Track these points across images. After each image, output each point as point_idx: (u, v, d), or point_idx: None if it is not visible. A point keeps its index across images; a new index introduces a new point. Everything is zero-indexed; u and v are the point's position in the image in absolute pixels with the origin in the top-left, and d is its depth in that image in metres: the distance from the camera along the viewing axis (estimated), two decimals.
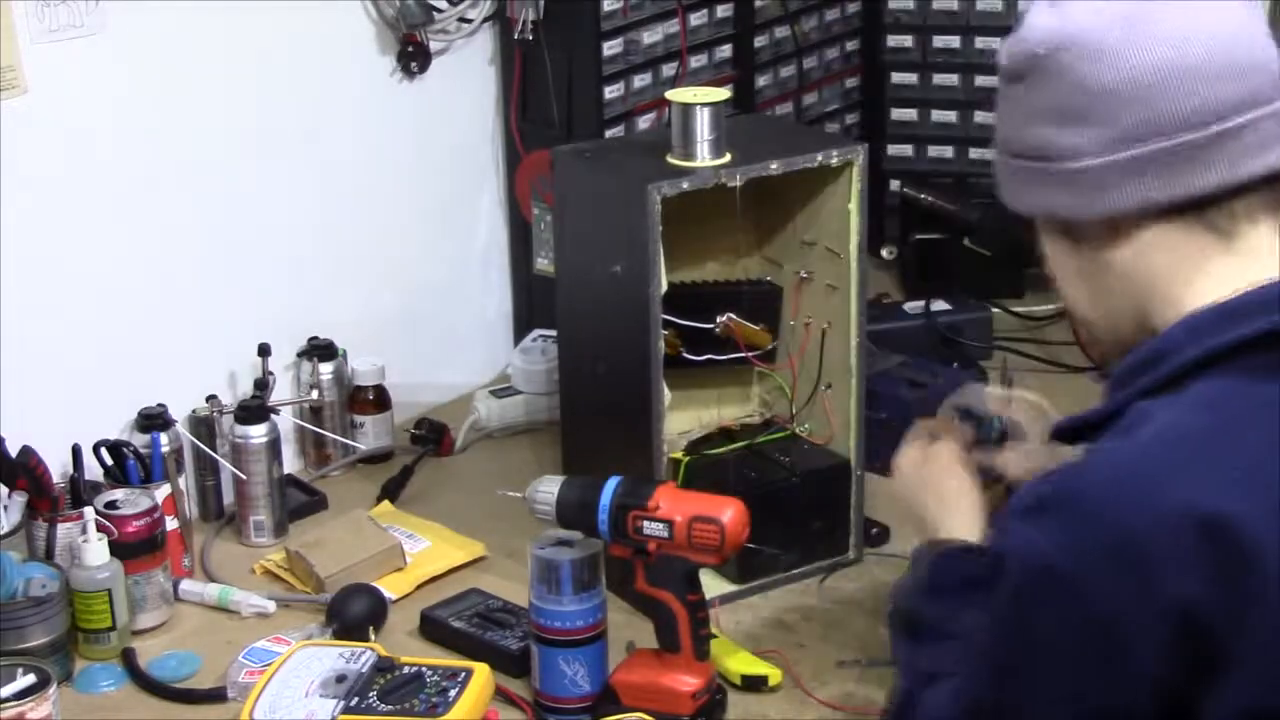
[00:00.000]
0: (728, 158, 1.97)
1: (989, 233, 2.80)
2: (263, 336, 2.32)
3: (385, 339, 2.51)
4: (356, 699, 1.73)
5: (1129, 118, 1.31)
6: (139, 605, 1.99)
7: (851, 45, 3.06)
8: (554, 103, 2.54)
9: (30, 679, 1.72)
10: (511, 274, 2.71)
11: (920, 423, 1.78)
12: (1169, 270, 1.34)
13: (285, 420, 2.33)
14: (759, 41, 2.82)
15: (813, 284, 2.12)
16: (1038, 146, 1.36)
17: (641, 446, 1.97)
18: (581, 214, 2.07)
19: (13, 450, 1.99)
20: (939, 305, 2.71)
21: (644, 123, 2.59)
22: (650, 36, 2.58)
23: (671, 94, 2.03)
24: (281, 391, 2.37)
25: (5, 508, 1.98)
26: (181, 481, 2.13)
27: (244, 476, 2.20)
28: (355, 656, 1.81)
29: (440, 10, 2.49)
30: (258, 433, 2.19)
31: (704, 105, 1.97)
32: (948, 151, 3.03)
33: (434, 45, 2.51)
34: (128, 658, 1.93)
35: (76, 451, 2.04)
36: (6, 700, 1.68)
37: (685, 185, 1.92)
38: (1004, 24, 2.82)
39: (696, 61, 2.67)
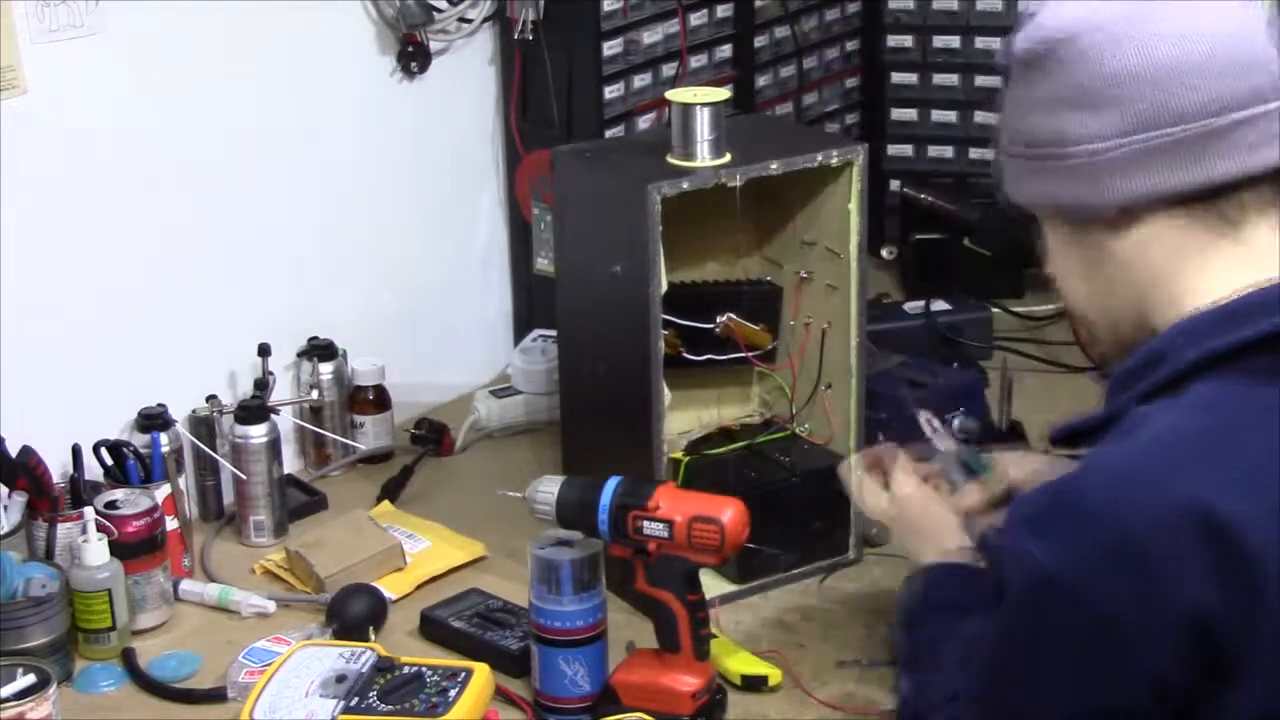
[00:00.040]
0: (728, 158, 1.97)
1: (989, 233, 2.80)
2: (263, 336, 2.32)
3: (385, 339, 2.51)
4: (356, 699, 1.73)
5: (1143, 104, 1.31)
6: (139, 605, 1.99)
7: (851, 45, 3.06)
8: (554, 103, 2.54)
9: (30, 679, 1.72)
10: (511, 274, 2.71)
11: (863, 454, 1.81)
12: (1173, 264, 1.34)
13: (285, 420, 2.33)
14: (759, 41, 2.82)
15: (813, 284, 2.12)
16: (1047, 135, 1.36)
17: (641, 446, 1.97)
18: (581, 214, 2.07)
19: (13, 450, 1.99)
20: (939, 305, 2.71)
21: (644, 123, 2.59)
22: (650, 36, 2.58)
23: (671, 94, 2.03)
24: (281, 391, 2.37)
25: (5, 508, 1.98)
26: (181, 481, 2.13)
27: (244, 476, 2.20)
28: (355, 656, 1.81)
29: (440, 10, 2.49)
30: (258, 433, 2.19)
31: (704, 105, 1.97)
32: (948, 151, 3.03)
33: (434, 45, 2.51)
34: (128, 658, 1.93)
35: (76, 451, 2.04)
36: (6, 700, 1.68)
37: (685, 185, 1.92)
38: (1004, 24, 2.82)
39: (696, 61, 2.67)
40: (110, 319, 2.20)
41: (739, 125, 2.17)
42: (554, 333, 2.33)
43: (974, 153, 2.98)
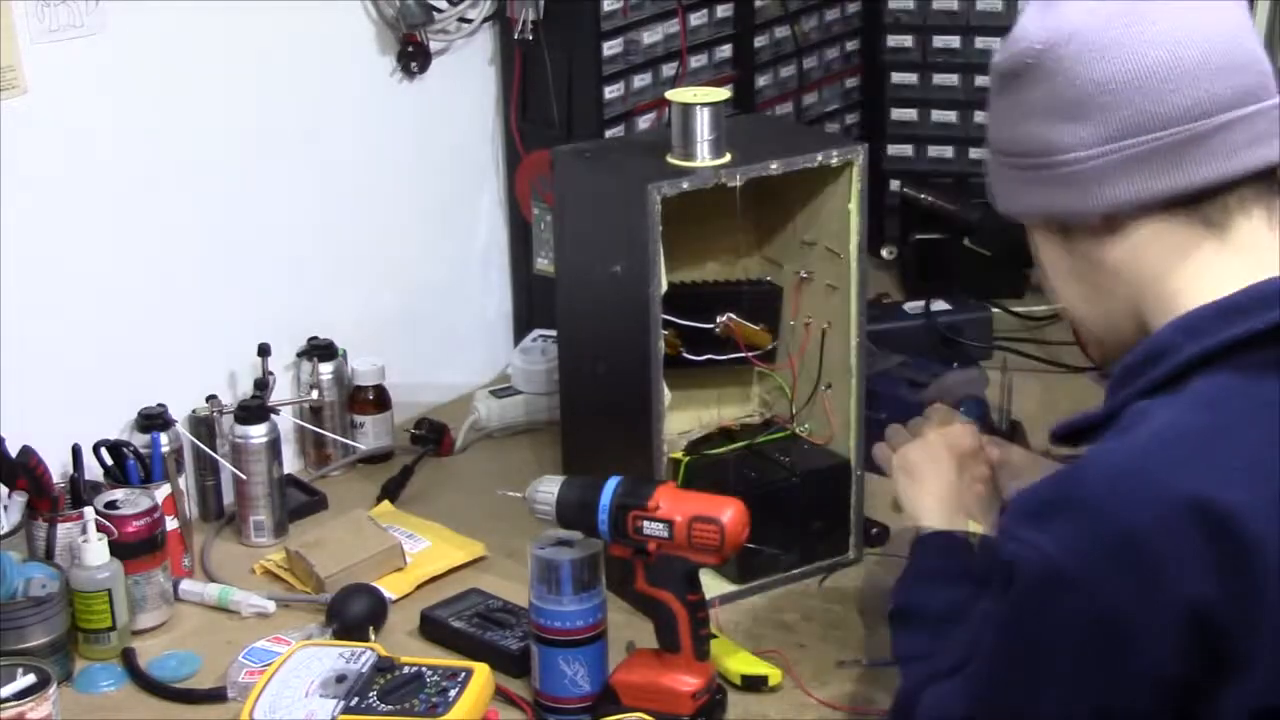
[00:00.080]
0: (728, 158, 1.97)
1: (989, 233, 2.80)
2: (263, 336, 2.32)
3: (385, 339, 2.51)
4: (356, 699, 1.73)
5: (1126, 112, 1.31)
6: (139, 605, 1.99)
7: (851, 45, 3.06)
8: (554, 103, 2.54)
9: (30, 679, 1.72)
10: (511, 274, 2.71)
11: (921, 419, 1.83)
12: (1163, 267, 1.35)
13: (285, 420, 2.33)
14: (759, 41, 2.82)
15: (813, 284, 2.12)
16: (1034, 145, 1.37)
17: (641, 446, 1.97)
18: (581, 214, 2.07)
19: (13, 450, 1.99)
20: (939, 305, 2.71)
21: (644, 123, 2.59)
22: (650, 36, 2.58)
23: (671, 94, 2.03)
24: (281, 391, 2.37)
25: (5, 508, 1.98)
26: (181, 481, 2.13)
27: (244, 476, 2.20)
28: (355, 656, 1.81)
29: (440, 10, 2.49)
30: (258, 433, 2.19)
31: (704, 105, 1.97)
32: (948, 151, 3.03)
33: (434, 45, 2.51)
34: (128, 658, 1.93)
35: (76, 451, 2.04)
36: (6, 700, 1.68)
37: (685, 185, 1.92)
38: (1004, 24, 2.80)
39: (696, 61, 2.67)
40: (110, 319, 2.20)
41: (739, 125, 2.17)
42: (554, 333, 2.33)
43: (974, 153, 2.98)
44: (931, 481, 1.77)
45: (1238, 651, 1.19)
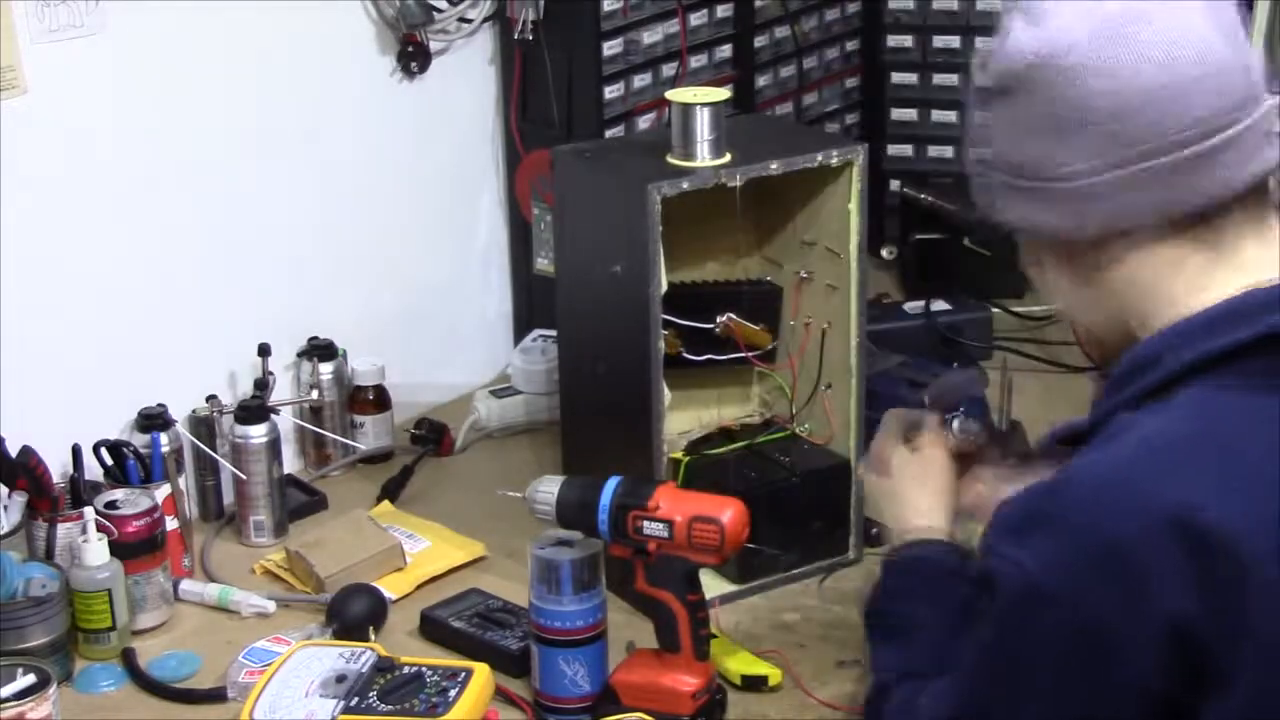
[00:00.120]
0: (728, 158, 1.97)
1: (989, 233, 2.79)
2: (263, 336, 2.32)
3: (385, 339, 2.51)
4: (356, 699, 1.73)
5: (1121, 133, 1.28)
6: (139, 605, 1.99)
7: (851, 45, 3.06)
8: (554, 103, 2.54)
9: (30, 679, 1.72)
10: (511, 274, 2.71)
11: (896, 414, 1.73)
12: (1158, 282, 1.33)
13: (285, 420, 2.33)
14: (759, 41, 2.82)
15: (813, 284, 2.12)
16: (1028, 164, 1.34)
17: (641, 446, 1.97)
18: (581, 214, 2.07)
19: (13, 450, 1.99)
20: (939, 305, 2.71)
21: (644, 123, 2.59)
22: (650, 36, 2.58)
23: (671, 94, 2.03)
24: (281, 391, 2.37)
25: (5, 508, 1.98)
26: (181, 481, 2.13)
27: (244, 476, 2.20)
28: (355, 656, 1.81)
29: (440, 10, 2.49)
30: (258, 433, 2.19)
31: (704, 105, 1.97)
32: (948, 151, 3.03)
33: (434, 45, 2.51)
34: (128, 658, 1.93)
35: (76, 451, 2.04)
36: (6, 700, 1.68)
37: (685, 185, 1.92)
38: None
39: (696, 61, 2.67)
40: (110, 319, 2.20)
41: (739, 125, 2.17)
42: (554, 333, 2.33)
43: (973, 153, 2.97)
44: (914, 494, 1.68)
45: (1220, 667, 1.17)
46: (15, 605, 1.86)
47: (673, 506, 1.74)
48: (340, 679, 1.77)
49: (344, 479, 2.40)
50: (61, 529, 1.97)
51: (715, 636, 1.86)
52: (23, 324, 2.08)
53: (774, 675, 1.87)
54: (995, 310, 2.77)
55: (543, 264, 2.55)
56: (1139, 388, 1.29)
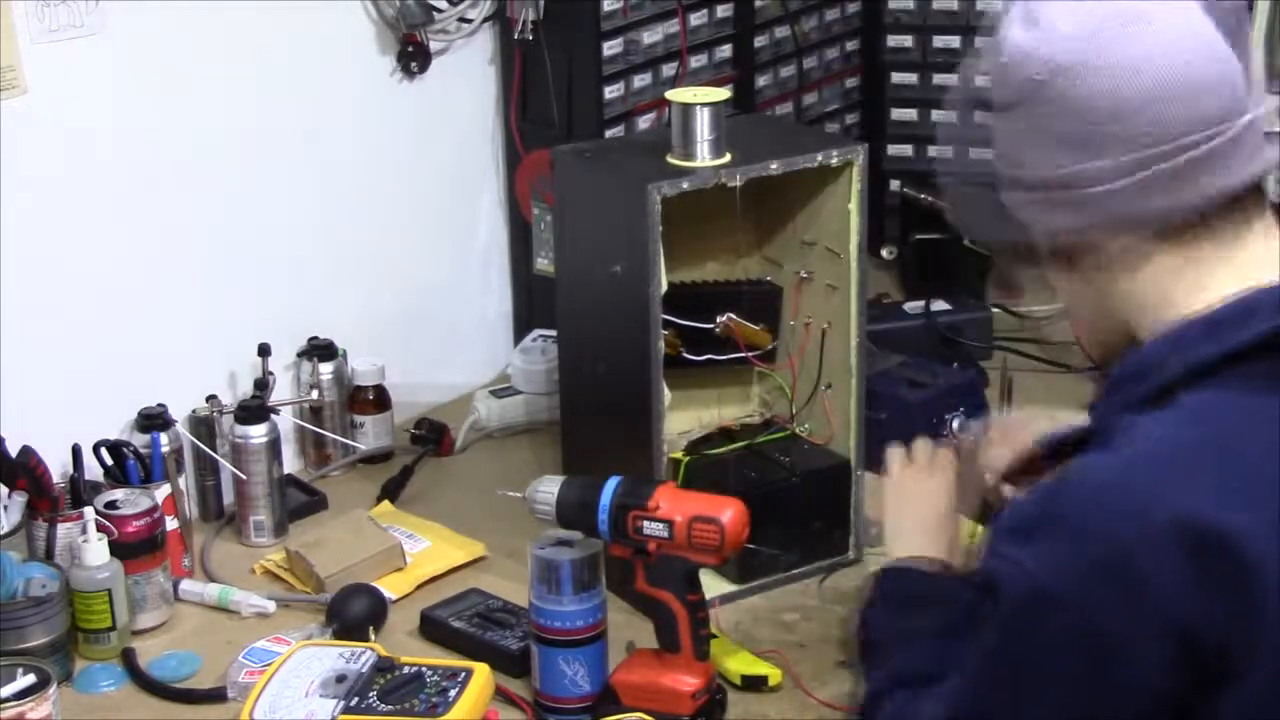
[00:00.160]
0: (728, 158, 1.97)
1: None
2: (263, 336, 2.32)
3: (385, 339, 2.51)
4: (356, 699, 1.73)
5: (1121, 134, 1.28)
6: (139, 605, 1.99)
7: (851, 45, 3.06)
8: (554, 103, 2.54)
9: (30, 679, 1.72)
10: (511, 274, 2.71)
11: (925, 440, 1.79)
12: (1160, 285, 1.32)
13: (285, 420, 2.33)
14: (759, 41, 2.82)
15: (813, 284, 2.12)
16: (1029, 167, 1.34)
17: (641, 446, 1.97)
18: (581, 214, 2.07)
19: (13, 450, 1.99)
20: (939, 305, 2.71)
21: (644, 123, 2.59)
22: (650, 36, 2.58)
23: (671, 94, 2.03)
24: (281, 391, 2.37)
25: (5, 508, 1.98)
26: (181, 481, 2.13)
27: (244, 476, 2.20)
28: (355, 656, 1.81)
29: (440, 10, 2.49)
30: (258, 433, 2.19)
31: (704, 105, 1.97)
32: (948, 152, 3.02)
33: (434, 45, 2.51)
34: (128, 658, 1.93)
35: (76, 451, 2.04)
36: (6, 700, 1.68)
37: (685, 185, 1.92)
38: None
39: (696, 61, 2.67)
40: (110, 319, 2.20)
41: (739, 125, 2.17)
42: (554, 333, 2.33)
43: (974, 153, 2.97)
44: (915, 509, 1.71)
45: (1226, 669, 1.18)
46: (15, 605, 1.86)
47: (673, 506, 1.74)
48: (340, 679, 1.77)
49: (344, 479, 2.40)
50: (61, 529, 1.97)
51: (715, 636, 1.86)
52: (23, 324, 2.08)
53: (774, 675, 1.87)
54: (995, 310, 2.77)
55: (543, 264, 2.55)
56: (1138, 392, 1.29)
